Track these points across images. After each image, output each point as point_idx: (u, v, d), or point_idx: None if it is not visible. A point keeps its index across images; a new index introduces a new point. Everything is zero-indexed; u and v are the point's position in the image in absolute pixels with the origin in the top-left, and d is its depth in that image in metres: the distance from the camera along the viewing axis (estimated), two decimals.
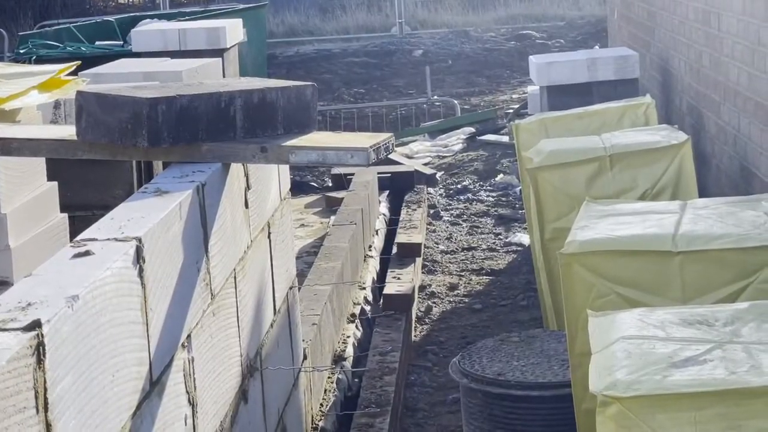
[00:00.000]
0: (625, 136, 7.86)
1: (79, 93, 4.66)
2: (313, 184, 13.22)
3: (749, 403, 3.65)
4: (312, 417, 6.35)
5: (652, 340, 4.05)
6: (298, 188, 12.20)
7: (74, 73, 7.96)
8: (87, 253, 3.18)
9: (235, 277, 4.47)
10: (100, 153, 4.57)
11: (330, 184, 13.07)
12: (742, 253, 4.99)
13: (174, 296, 3.77)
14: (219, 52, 10.58)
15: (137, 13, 23.18)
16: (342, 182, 12.46)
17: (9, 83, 6.62)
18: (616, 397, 3.61)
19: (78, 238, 3.37)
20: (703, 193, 7.24)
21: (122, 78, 8.23)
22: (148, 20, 15.00)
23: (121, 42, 15.77)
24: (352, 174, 12.18)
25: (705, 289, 4.85)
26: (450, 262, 11.06)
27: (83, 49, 15.56)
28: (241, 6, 22.70)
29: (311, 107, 4.55)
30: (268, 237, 5.21)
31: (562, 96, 11.32)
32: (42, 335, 2.51)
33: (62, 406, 2.68)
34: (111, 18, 21.74)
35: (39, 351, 2.51)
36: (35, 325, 2.53)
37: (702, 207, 5.74)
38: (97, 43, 17.73)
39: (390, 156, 14.05)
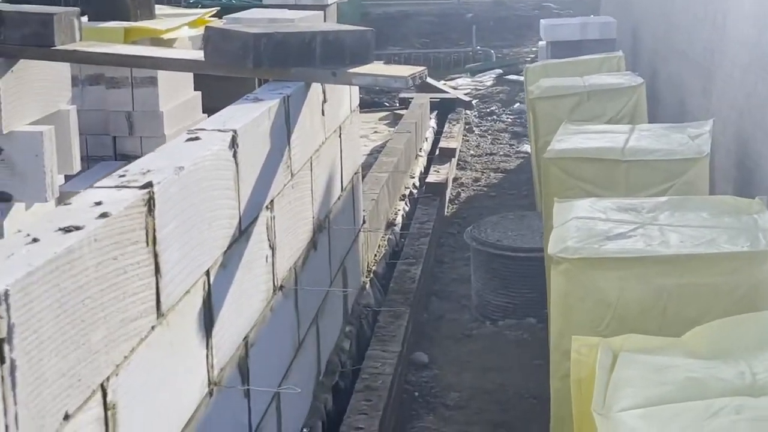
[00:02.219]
0: (599, 78, 7.70)
1: (207, 27, 4.70)
2: (386, 104, 12.94)
3: (657, 266, 3.68)
4: (368, 264, 6.33)
5: (596, 220, 4.04)
6: (376, 106, 12.22)
7: (219, 16, 8.00)
8: (196, 138, 3.20)
9: (311, 163, 4.45)
10: (220, 71, 4.60)
11: (397, 104, 12.69)
12: (669, 164, 4.94)
13: (261, 173, 3.75)
14: (322, 8, 10.46)
15: None
16: (406, 103, 12.20)
17: (168, 20, 6.79)
18: (566, 258, 3.64)
19: (192, 128, 3.36)
20: (652, 121, 7.19)
21: (253, 22, 8.16)
22: None
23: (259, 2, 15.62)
24: (412, 98, 11.97)
25: (642, 188, 4.83)
26: (476, 163, 10.89)
27: (233, 0, 15.30)
28: None
29: (370, 45, 4.48)
30: (339, 137, 5.15)
31: (561, 49, 11.19)
32: (153, 192, 2.58)
33: (167, 242, 2.79)
34: None
35: (150, 203, 2.59)
36: (149, 185, 2.61)
37: (646, 130, 5.68)
38: None
39: (440, 87, 14.24)
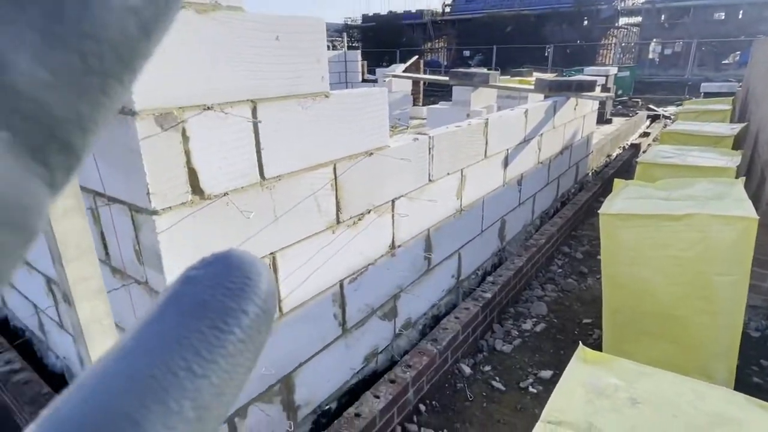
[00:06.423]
0: (711, 106, 6.05)
1: (536, 78, 4.39)
2: (629, 114, 10.48)
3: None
4: (593, 167, 5.65)
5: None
6: (625, 115, 10.48)
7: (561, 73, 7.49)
8: (468, 117, 3.18)
9: (564, 125, 4.01)
10: (537, 92, 4.24)
11: (634, 115, 10.31)
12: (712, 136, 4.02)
13: (537, 124, 3.28)
14: (606, 75, 8.83)
15: (583, 67, 19.47)
16: (635, 114, 10.34)
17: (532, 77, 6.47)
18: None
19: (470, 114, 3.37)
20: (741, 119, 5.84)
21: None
22: (592, 68, 12.78)
23: (580, 73, 12.75)
24: (638, 112, 10.25)
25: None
26: None
27: (573, 72, 11.99)
28: (632, 65, 19.25)
29: (594, 85, 4.09)
30: (583, 119, 4.61)
31: (708, 95, 9.02)
32: (432, 138, 2.13)
33: (492, 136, 2.68)
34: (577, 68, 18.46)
35: (429, 144, 2.15)
36: (429, 136, 2.18)
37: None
38: (571, 72, 14.60)
39: (655, 109, 11.96)
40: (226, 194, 1.25)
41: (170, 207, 1.13)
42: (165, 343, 0.12)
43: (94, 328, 0.82)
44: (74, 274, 0.79)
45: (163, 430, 0.11)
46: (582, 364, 1.04)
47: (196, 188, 1.18)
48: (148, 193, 1.09)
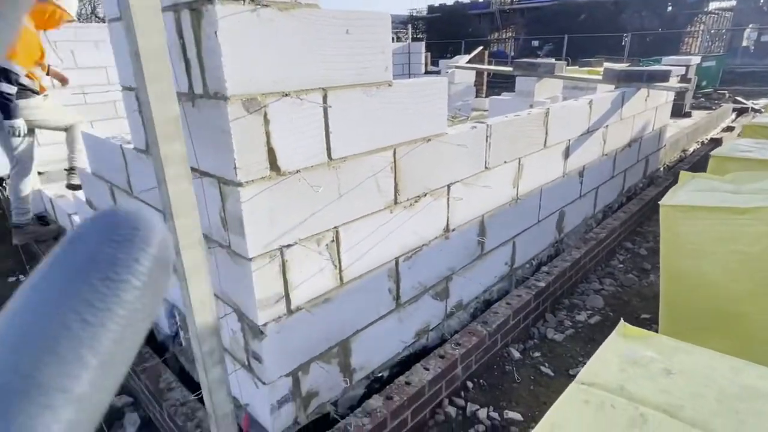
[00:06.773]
0: None
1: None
2: (712, 107, 9.53)
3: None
4: (665, 162, 5.25)
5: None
6: (707, 108, 9.52)
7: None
8: (531, 107, 2.95)
9: (634, 117, 3.84)
10: (605, 83, 4.05)
11: (715, 108, 9.35)
12: None
13: (602, 115, 3.09)
14: (687, 65, 8.19)
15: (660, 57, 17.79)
16: (718, 106, 9.31)
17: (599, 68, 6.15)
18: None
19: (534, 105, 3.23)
20: None
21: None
22: (671, 57, 11.82)
23: (658, 64, 11.40)
24: (721, 105, 9.32)
25: None
26: None
27: (650, 62, 10.71)
28: (721, 54, 17.62)
29: (668, 74, 3.83)
30: (655, 110, 4.31)
31: None
32: (489, 127, 2.09)
33: (552, 126, 2.59)
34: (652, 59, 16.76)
35: (487, 132, 2.12)
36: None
37: None
38: (648, 62, 13.18)
39: (742, 101, 10.91)
40: (298, 171, 1.36)
41: (252, 180, 1.26)
42: (55, 300, 0.12)
43: (195, 272, 0.99)
44: (181, 227, 0.96)
45: (64, 378, 0.12)
46: (621, 338, 1.07)
47: (273, 165, 1.31)
48: (235, 168, 1.22)
